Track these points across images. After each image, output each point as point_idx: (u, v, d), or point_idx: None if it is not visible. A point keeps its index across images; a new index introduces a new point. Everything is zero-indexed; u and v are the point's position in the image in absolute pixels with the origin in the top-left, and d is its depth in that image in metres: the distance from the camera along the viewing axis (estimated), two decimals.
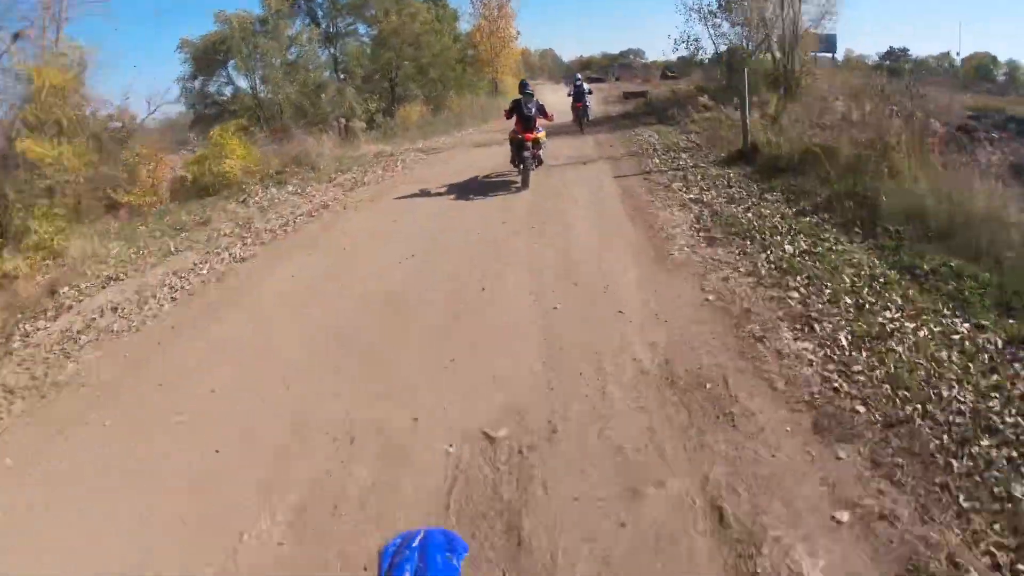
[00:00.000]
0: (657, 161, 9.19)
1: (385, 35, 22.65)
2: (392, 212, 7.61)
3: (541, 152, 8.46)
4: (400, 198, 8.35)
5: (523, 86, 8.54)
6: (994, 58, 46.02)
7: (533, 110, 8.10)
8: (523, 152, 8.01)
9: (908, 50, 55.26)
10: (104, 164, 11.07)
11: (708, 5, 15.89)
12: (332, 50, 22.27)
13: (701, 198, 6.62)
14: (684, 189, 7.13)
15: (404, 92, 21.93)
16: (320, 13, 22.90)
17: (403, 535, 0.93)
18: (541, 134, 8.28)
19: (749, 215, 5.81)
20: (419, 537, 0.91)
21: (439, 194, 8.37)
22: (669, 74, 40.19)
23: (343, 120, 18.60)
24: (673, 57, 21.94)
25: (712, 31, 16.14)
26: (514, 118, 8.23)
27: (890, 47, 56.62)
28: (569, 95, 14.65)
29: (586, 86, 14.37)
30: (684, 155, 9.40)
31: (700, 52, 16.79)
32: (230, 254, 6.41)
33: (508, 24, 23.33)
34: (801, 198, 6.05)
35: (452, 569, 0.88)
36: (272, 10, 19.63)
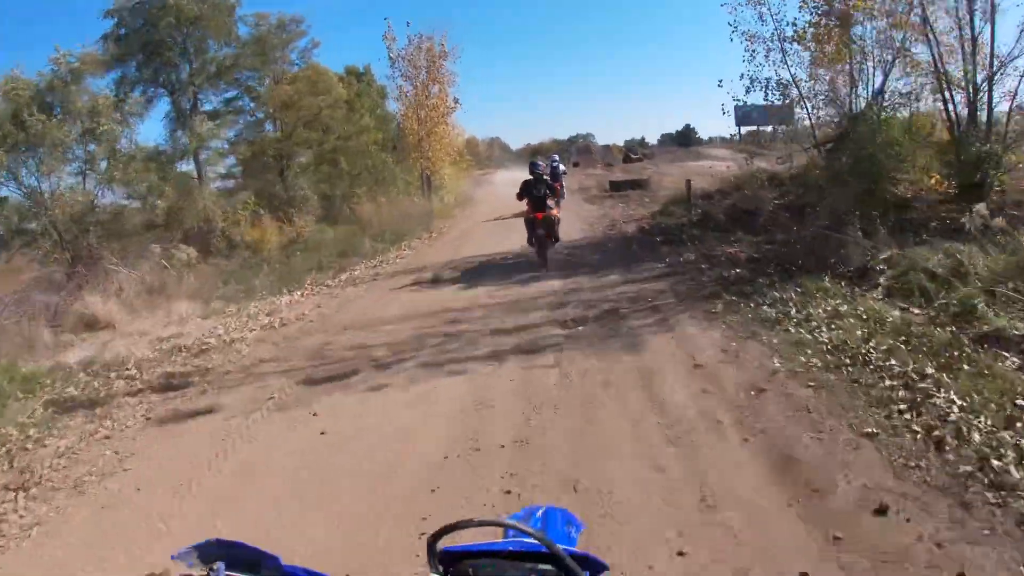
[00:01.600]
0: None
1: (273, 110, 15.57)
2: None
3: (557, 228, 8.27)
4: None
5: (533, 166, 8.54)
6: None
7: (543, 191, 8.13)
8: (537, 230, 7.99)
9: None
10: None
11: (788, 26, 8.83)
12: (182, 131, 14.76)
13: None
14: None
15: (290, 193, 14.35)
16: (178, 81, 15.68)
17: (527, 508, 1.02)
18: (554, 211, 8.25)
19: None
20: (541, 510, 1.00)
21: None
22: (632, 156, 35.70)
23: (156, 249, 10.66)
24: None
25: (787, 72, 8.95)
26: (526, 199, 8.19)
27: None
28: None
29: (562, 167, 12.85)
30: None
31: (784, 99, 9.41)
32: None
33: (443, 90, 16.13)
34: None
35: (571, 540, 0.97)
36: (65, 69, 12.12)
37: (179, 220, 13.43)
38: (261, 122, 16.24)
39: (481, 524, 0.75)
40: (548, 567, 0.75)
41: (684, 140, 51.45)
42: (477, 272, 7.97)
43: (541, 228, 7.85)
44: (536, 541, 0.74)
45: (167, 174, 14.08)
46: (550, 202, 8.07)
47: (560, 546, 0.72)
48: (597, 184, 19.74)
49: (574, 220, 11.11)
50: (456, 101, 16.27)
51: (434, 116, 15.82)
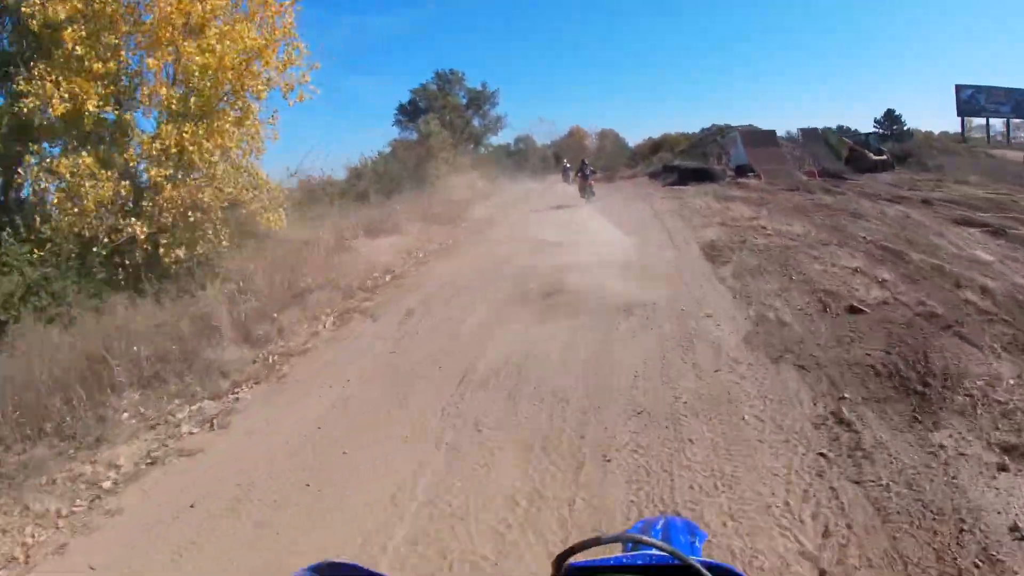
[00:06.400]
0: None
1: None
2: None
3: (594, 188, 16.27)
4: None
5: (583, 164, 17.14)
6: None
7: (588, 172, 16.36)
8: (586, 191, 15.96)
9: None
10: None
11: None
12: None
13: None
14: None
15: None
16: None
17: (645, 520, 0.96)
18: (593, 181, 16.36)
19: None
20: (661, 522, 0.96)
21: None
22: (874, 157, 20.09)
23: None
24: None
25: None
26: (578, 175, 16.83)
27: None
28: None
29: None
30: None
31: None
32: None
33: None
34: None
35: (696, 551, 0.92)
36: None
37: None
38: None
39: (609, 541, 0.74)
40: None
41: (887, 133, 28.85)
42: None
43: (588, 189, 15.77)
44: (666, 554, 0.73)
45: None
46: (591, 179, 16.14)
47: (693, 559, 0.71)
48: None
49: None
50: None
51: None
